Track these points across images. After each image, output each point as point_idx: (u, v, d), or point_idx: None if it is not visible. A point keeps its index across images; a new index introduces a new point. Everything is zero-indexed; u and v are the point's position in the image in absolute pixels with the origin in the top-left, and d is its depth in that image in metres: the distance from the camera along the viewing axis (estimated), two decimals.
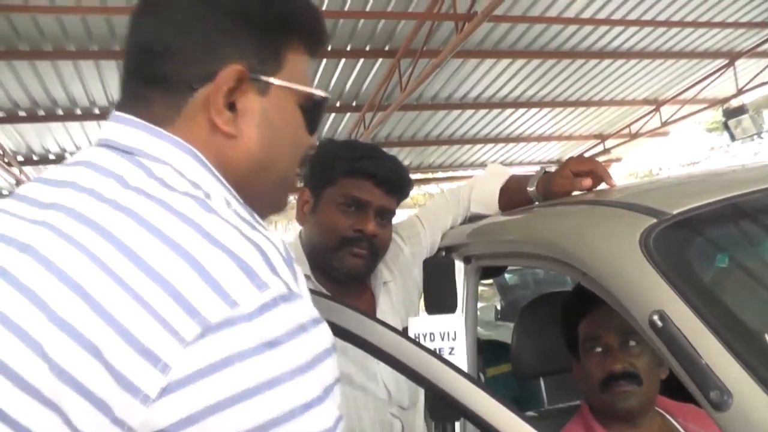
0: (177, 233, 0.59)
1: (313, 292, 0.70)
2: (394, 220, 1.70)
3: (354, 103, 8.70)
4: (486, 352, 2.81)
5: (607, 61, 8.59)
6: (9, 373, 0.57)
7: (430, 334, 1.23)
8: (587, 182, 1.46)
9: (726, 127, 10.23)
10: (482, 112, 9.91)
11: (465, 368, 1.12)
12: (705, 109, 11.10)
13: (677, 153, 19.51)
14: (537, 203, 1.56)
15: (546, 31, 7.43)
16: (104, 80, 7.11)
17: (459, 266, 1.68)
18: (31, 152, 9.24)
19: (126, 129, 0.72)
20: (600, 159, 11.75)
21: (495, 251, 1.57)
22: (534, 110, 10.13)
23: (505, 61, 8.14)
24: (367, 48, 7.20)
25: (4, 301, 0.59)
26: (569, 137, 11.79)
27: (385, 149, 1.62)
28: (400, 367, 1.04)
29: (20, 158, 9.25)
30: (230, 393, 0.54)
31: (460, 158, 12.23)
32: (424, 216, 1.80)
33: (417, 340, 1.17)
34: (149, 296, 0.55)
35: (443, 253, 1.75)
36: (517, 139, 11.47)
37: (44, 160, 9.44)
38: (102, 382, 0.54)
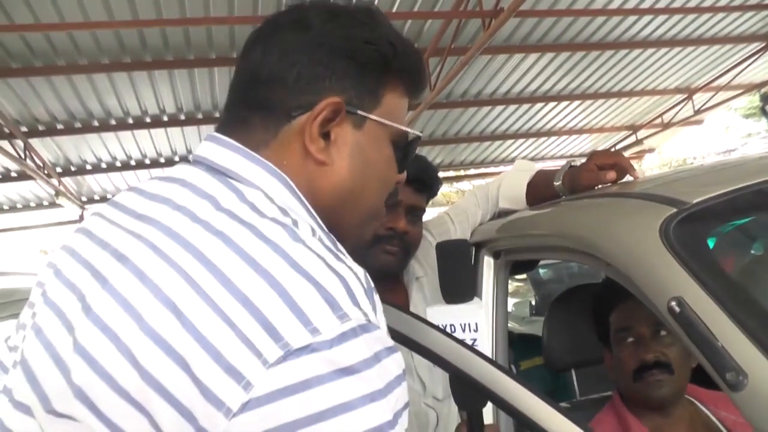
0: (266, 260, 0.62)
1: None
2: (426, 218, 1.74)
3: None
4: (519, 345, 2.82)
5: (636, 51, 8.49)
6: (103, 373, 0.61)
7: (450, 326, 1.18)
8: (611, 175, 1.48)
9: (763, 112, 10.05)
10: (512, 107, 9.87)
11: None
12: (740, 95, 10.91)
13: (712, 141, 19.17)
14: (563, 197, 1.59)
15: (574, 24, 7.38)
16: (137, 91, 7.27)
17: (489, 261, 1.72)
18: (69, 163, 9.44)
19: (222, 150, 0.77)
20: (632, 150, 11.72)
21: (523, 245, 1.59)
22: (564, 103, 10.06)
23: (533, 56, 8.10)
24: None
25: (103, 307, 0.64)
26: (601, 129, 11.68)
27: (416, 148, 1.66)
28: (435, 359, 1.07)
29: (59, 170, 9.46)
30: (306, 413, 0.57)
31: (491, 155, 12.19)
32: (454, 213, 1.84)
33: None
34: (237, 318, 0.59)
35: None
36: (549, 133, 11.40)
37: (81, 171, 9.65)
38: (188, 392, 0.58)
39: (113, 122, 8.08)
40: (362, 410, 0.59)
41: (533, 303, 6.51)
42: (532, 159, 12.10)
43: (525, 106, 9.93)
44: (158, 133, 8.62)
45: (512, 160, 12.14)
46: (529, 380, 1.85)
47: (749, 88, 10.59)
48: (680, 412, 1.50)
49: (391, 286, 1.68)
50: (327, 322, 0.60)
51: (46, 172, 8.72)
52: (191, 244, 0.65)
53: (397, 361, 0.65)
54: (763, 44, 9.02)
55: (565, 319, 1.82)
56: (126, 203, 0.76)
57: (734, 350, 0.82)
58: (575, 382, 1.89)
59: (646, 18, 7.54)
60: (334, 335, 0.59)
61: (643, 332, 1.49)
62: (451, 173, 13.34)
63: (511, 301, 7.24)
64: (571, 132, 11.54)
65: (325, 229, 0.76)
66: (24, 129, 7.73)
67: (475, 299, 1.20)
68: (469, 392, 1.13)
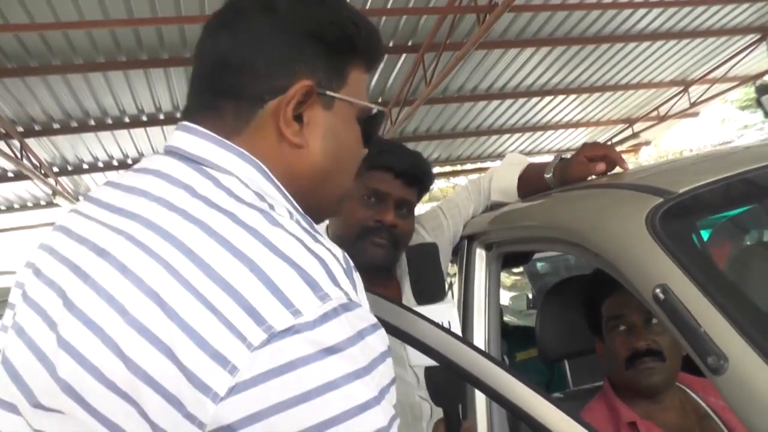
0: (245, 245, 0.63)
1: None
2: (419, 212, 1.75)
3: (380, 99, 8.74)
4: (514, 337, 2.85)
5: (632, 45, 8.51)
6: (89, 367, 0.62)
7: None
8: (601, 167, 1.50)
9: (759, 104, 10.01)
10: (508, 102, 9.88)
11: None
12: (735, 87, 10.93)
13: (708, 133, 19.19)
14: (554, 189, 1.61)
15: (569, 18, 7.39)
16: (133, 89, 7.28)
17: (481, 254, 1.73)
18: (66, 163, 9.45)
19: (194, 139, 0.77)
20: (629, 143, 11.74)
21: (515, 237, 1.61)
22: (560, 97, 10.07)
23: (529, 50, 8.11)
24: (391, 44, 7.24)
25: (86, 302, 0.65)
26: (597, 123, 11.69)
27: (412, 143, 1.68)
28: (427, 351, 1.08)
29: (56, 169, 9.47)
30: (292, 394, 0.58)
31: (488, 149, 12.21)
32: (446, 207, 1.85)
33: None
34: (219, 304, 0.60)
35: (465, 242, 1.79)
36: (545, 128, 11.41)
37: (78, 170, 9.66)
38: (175, 380, 0.59)
39: (109, 121, 8.10)
40: (347, 388, 0.60)
41: (530, 296, 6.52)
42: (529, 153, 12.12)
43: (521, 101, 9.94)
44: (155, 131, 8.63)
45: None
46: (525, 371, 1.87)
47: (744, 80, 10.60)
48: (671, 399, 1.51)
49: (383, 280, 1.69)
50: (308, 303, 0.61)
51: (42, 171, 8.73)
52: (170, 234, 0.65)
53: (381, 338, 0.66)
54: (758, 36, 9.05)
55: (558, 311, 1.83)
56: (102, 198, 0.76)
57: (716, 335, 0.84)
58: (568, 373, 1.91)
59: (641, 11, 7.55)
60: (316, 316, 0.60)
61: (634, 320, 1.50)
62: (448, 168, 13.36)
63: (509, 295, 7.26)
64: (567, 126, 11.55)
65: (301, 211, 0.77)
66: (20, 129, 7.73)
67: (447, 299, 1.20)
68: (445, 389, 1.15)
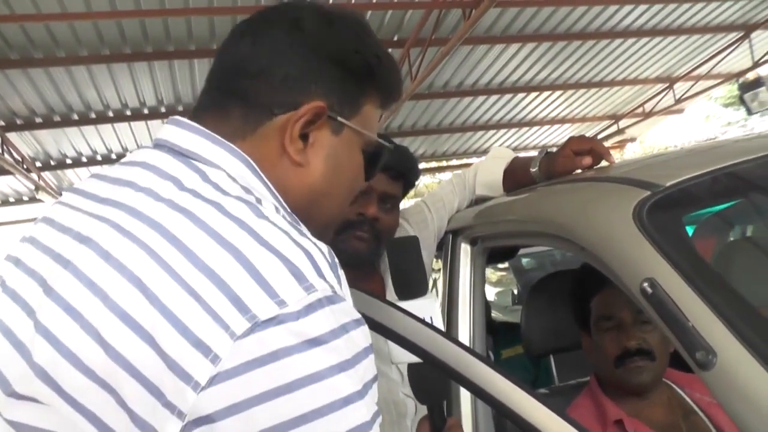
0: (230, 234, 0.63)
1: None
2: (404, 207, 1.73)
3: None
4: (500, 333, 2.84)
5: (617, 41, 8.54)
6: (67, 353, 0.61)
7: None
8: (587, 161, 1.49)
9: (742, 101, 10.09)
10: (494, 97, 9.89)
11: None
12: (719, 84, 11.00)
13: (693, 130, 19.33)
14: (540, 183, 1.59)
15: (554, 14, 7.39)
16: (117, 83, 7.20)
17: (466, 248, 1.72)
18: (49, 158, 9.36)
19: (183, 132, 0.76)
20: (614, 139, 11.78)
21: (500, 231, 1.59)
22: (546, 93, 10.09)
23: (514, 46, 8.11)
24: None
25: (66, 287, 0.64)
26: (583, 119, 11.73)
27: (398, 139, 1.65)
28: (411, 347, 1.06)
29: (38, 164, 9.38)
30: (274, 385, 0.57)
31: (473, 145, 12.21)
32: (431, 201, 1.83)
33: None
34: (203, 292, 0.59)
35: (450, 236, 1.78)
36: (531, 123, 11.43)
37: (62, 165, 9.57)
38: (156, 368, 0.58)
39: (93, 115, 8.01)
40: (331, 380, 0.59)
41: (515, 292, 6.53)
42: (514, 149, 12.06)
43: (507, 97, 9.95)
44: (139, 125, 8.56)
45: None
46: (511, 368, 1.86)
47: (728, 78, 10.67)
48: (657, 396, 1.51)
49: (367, 275, 1.68)
50: (293, 293, 0.60)
51: (25, 166, 8.64)
52: (155, 221, 0.65)
53: (364, 334, 0.66)
54: (742, 33, 9.11)
55: (544, 306, 1.82)
56: (88, 189, 0.76)
57: (704, 330, 0.83)
58: (554, 369, 1.90)
59: (627, 8, 7.57)
60: (300, 306, 0.60)
61: (624, 319, 1.49)
62: (434, 164, 13.35)
63: (494, 291, 7.27)
64: (553, 122, 11.58)
65: (288, 209, 0.76)
66: (1, 123, 7.65)
67: (429, 294, 1.18)
68: (428, 386, 1.14)
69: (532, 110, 10.83)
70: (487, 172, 1.78)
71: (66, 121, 7.99)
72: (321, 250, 0.67)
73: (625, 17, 7.85)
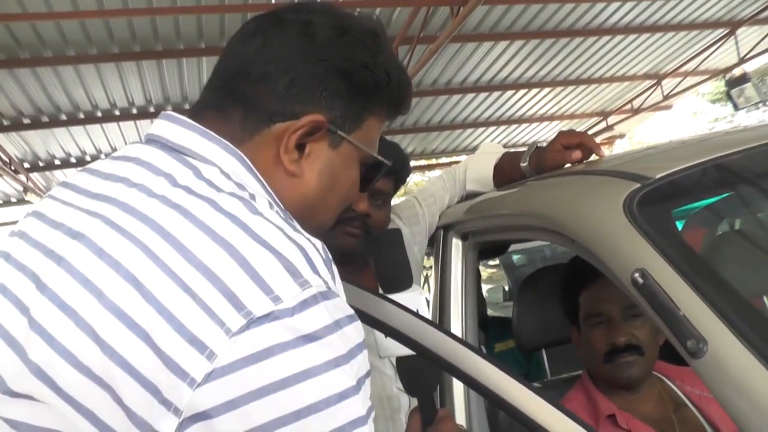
0: (225, 231, 0.63)
1: None
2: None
3: None
4: (493, 327, 2.85)
5: (605, 38, 8.55)
6: (62, 350, 0.61)
7: None
8: (577, 154, 1.49)
9: (729, 97, 10.15)
10: (483, 95, 9.88)
11: None
12: (707, 80, 11.03)
13: (681, 126, 19.43)
14: (530, 177, 1.60)
15: (542, 11, 7.39)
16: (105, 83, 7.15)
17: (457, 244, 1.72)
18: (37, 159, 9.28)
19: (176, 128, 0.76)
20: (603, 136, 11.80)
21: (491, 226, 1.60)
22: (535, 91, 10.10)
23: (503, 44, 8.11)
24: None
25: (59, 284, 0.63)
26: (571, 116, 11.75)
27: (387, 137, 1.66)
28: (404, 340, 1.07)
29: (26, 165, 9.30)
30: (270, 381, 0.58)
31: (463, 143, 12.21)
32: (422, 197, 1.84)
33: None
34: (198, 288, 0.59)
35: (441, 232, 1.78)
36: (520, 121, 11.44)
37: (50, 166, 9.49)
38: (152, 365, 0.58)
39: (81, 116, 7.95)
40: (326, 376, 0.60)
41: (506, 288, 6.55)
42: (504, 146, 12.12)
43: (495, 94, 9.95)
44: (128, 126, 8.50)
45: None
46: (504, 362, 1.86)
47: (715, 74, 10.71)
48: (648, 389, 1.52)
49: (359, 269, 1.68)
50: (288, 289, 0.60)
51: (13, 168, 8.56)
52: (149, 217, 0.64)
53: (357, 329, 0.66)
54: (728, 30, 9.14)
55: (535, 300, 1.83)
56: (79, 184, 0.75)
57: (695, 319, 0.84)
58: (546, 363, 1.91)
59: (615, 4, 7.58)
60: (295, 303, 0.60)
61: (613, 314, 1.50)
62: (423, 162, 13.35)
63: (485, 287, 7.28)
64: (542, 119, 11.59)
65: (281, 205, 0.76)
66: None
67: (414, 286, 1.19)
68: (417, 378, 1.14)
69: (521, 107, 10.84)
70: (477, 167, 1.79)
71: (54, 122, 7.92)
72: (315, 246, 0.67)
73: (613, 14, 7.86)
